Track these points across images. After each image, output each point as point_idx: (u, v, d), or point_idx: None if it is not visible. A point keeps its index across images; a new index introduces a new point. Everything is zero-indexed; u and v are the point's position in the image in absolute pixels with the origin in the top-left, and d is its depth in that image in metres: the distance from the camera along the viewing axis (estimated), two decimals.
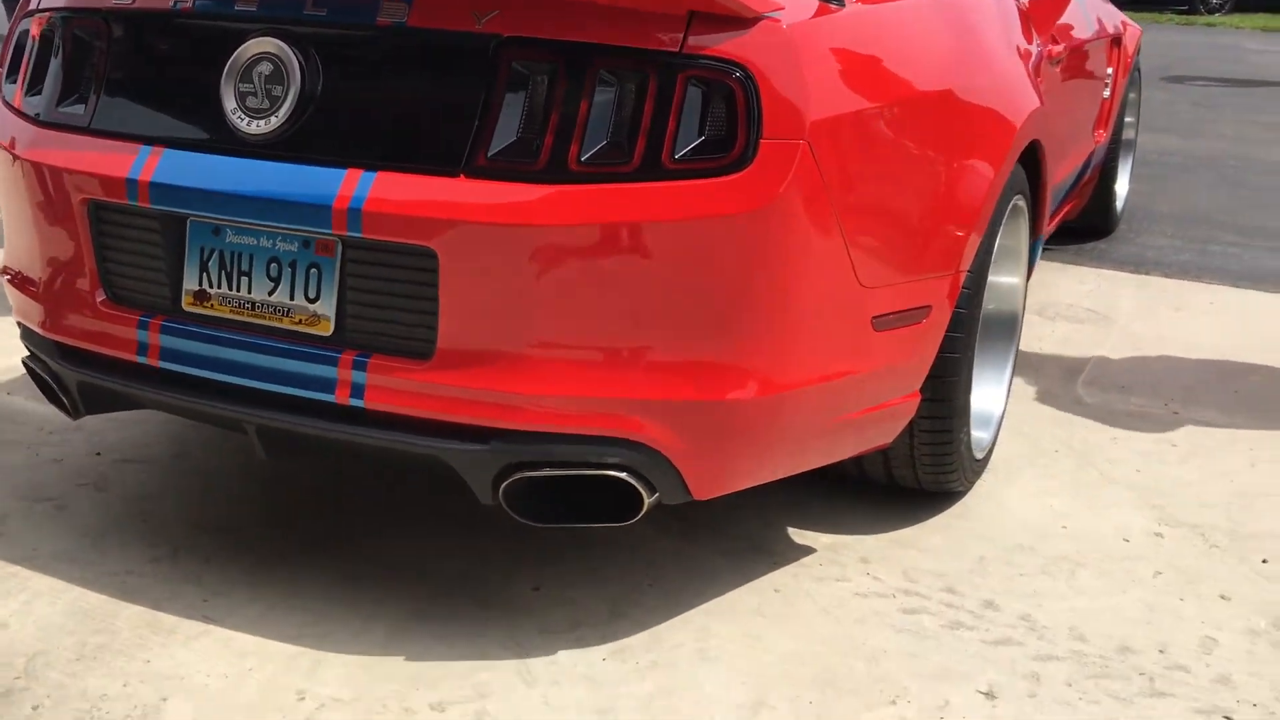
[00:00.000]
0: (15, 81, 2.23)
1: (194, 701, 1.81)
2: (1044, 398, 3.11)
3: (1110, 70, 4.20)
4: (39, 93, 2.15)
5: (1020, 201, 2.51)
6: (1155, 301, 3.99)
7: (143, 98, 2.03)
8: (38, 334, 2.17)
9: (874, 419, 2.11)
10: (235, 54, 1.89)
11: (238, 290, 1.92)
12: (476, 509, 2.29)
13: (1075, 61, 3.43)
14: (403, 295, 1.81)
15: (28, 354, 2.26)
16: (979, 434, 2.55)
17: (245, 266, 1.92)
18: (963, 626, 2.07)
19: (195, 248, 1.95)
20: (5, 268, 2.30)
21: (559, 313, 1.76)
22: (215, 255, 1.94)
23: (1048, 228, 3.76)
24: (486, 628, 2.01)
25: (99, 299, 2.05)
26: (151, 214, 1.96)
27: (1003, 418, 2.70)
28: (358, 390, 1.84)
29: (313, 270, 1.86)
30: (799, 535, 2.36)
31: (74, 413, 2.20)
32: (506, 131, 1.75)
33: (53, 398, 2.24)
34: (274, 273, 1.89)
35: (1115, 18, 4.40)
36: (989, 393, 2.66)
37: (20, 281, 2.22)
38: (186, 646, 1.94)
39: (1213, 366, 3.39)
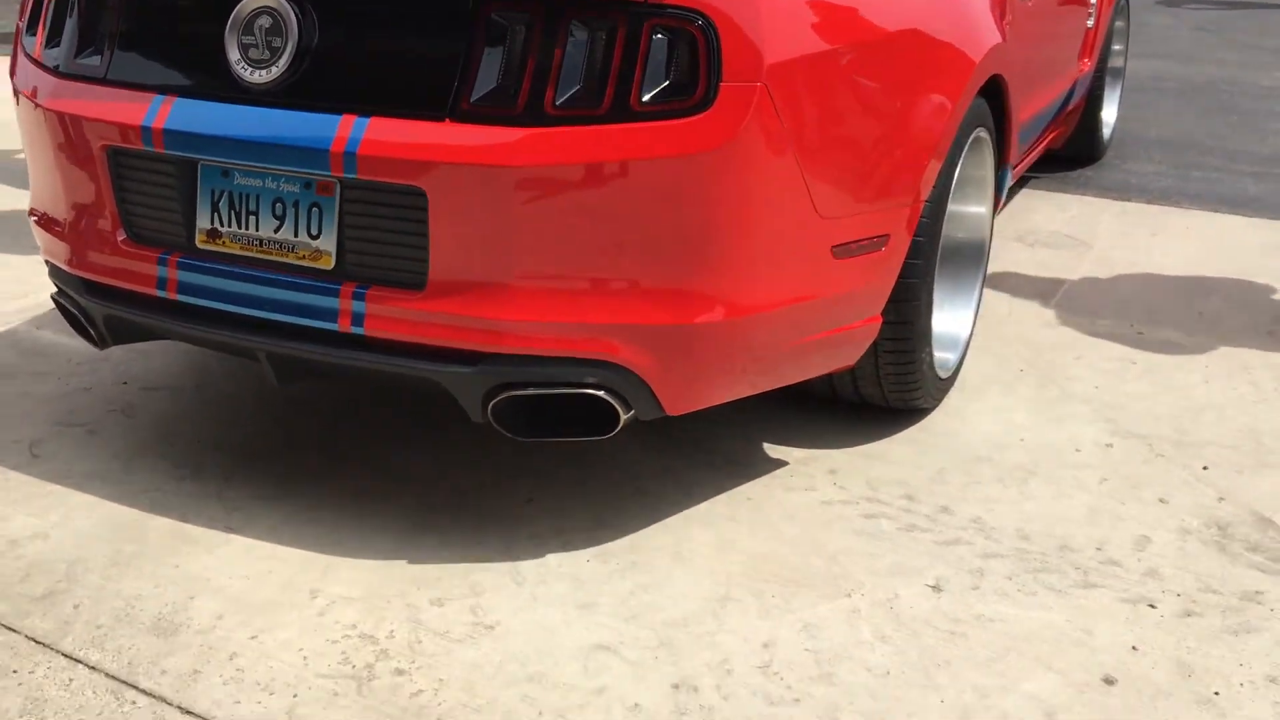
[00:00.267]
0: (35, 34, 2.39)
1: (219, 599, 2.01)
2: (1015, 320, 3.27)
3: (1094, 1, 4.29)
4: (58, 45, 2.31)
5: (983, 134, 2.65)
6: (1133, 227, 4.13)
7: (154, 50, 2.18)
8: (65, 271, 2.35)
9: (836, 341, 2.28)
10: (237, 8, 2.04)
11: (246, 228, 2.09)
12: (474, 432, 2.48)
13: None
14: (396, 231, 1.97)
15: (56, 290, 2.44)
16: (945, 355, 2.72)
17: (253, 206, 2.09)
18: (917, 529, 2.26)
19: (206, 189, 2.12)
20: (32, 210, 2.47)
21: (538, 245, 1.92)
22: (225, 196, 2.11)
23: (1029, 157, 3.90)
24: (482, 535, 2.21)
25: (120, 238, 2.23)
26: (166, 159, 2.13)
27: (970, 340, 2.87)
28: (358, 319, 2.01)
29: (314, 209, 2.03)
30: (774, 450, 2.55)
31: (101, 344, 2.39)
32: (488, 78, 1.90)
33: (81, 331, 2.43)
34: (279, 212, 2.06)
35: None
36: (956, 316, 2.83)
37: (47, 222, 2.39)
38: (211, 553, 2.15)
39: (1180, 288, 3.54)
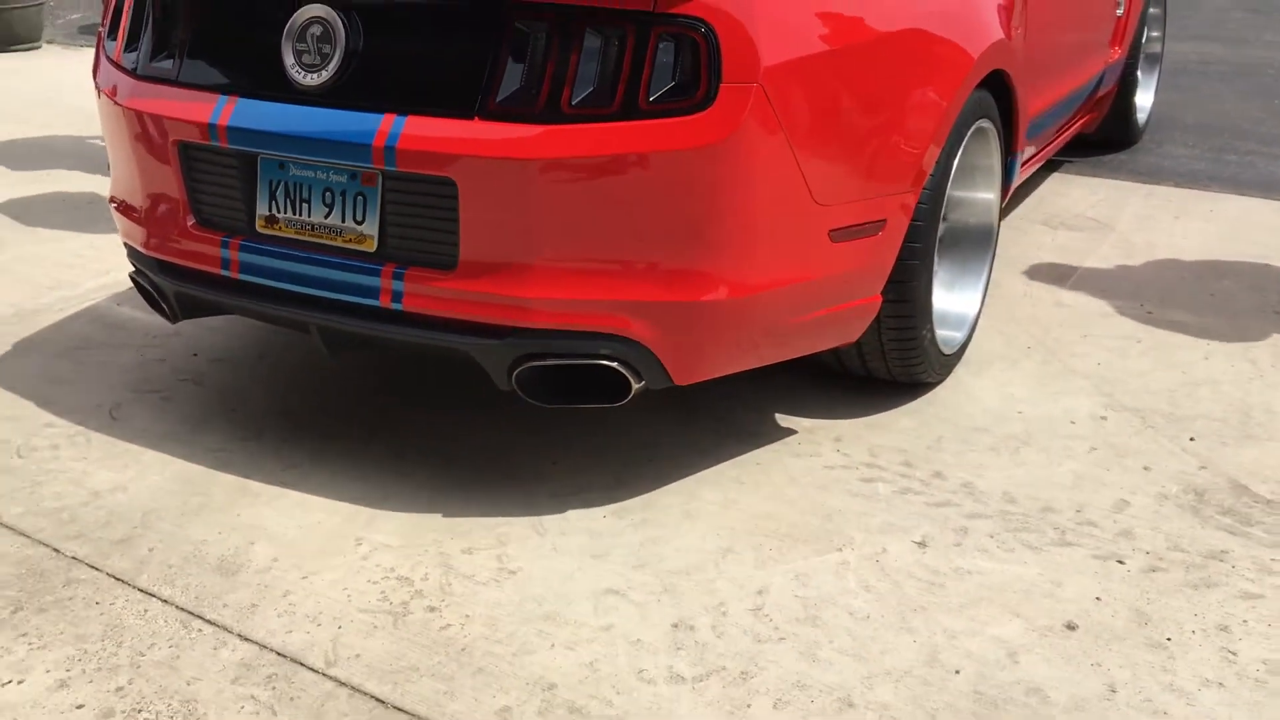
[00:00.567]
0: (115, 39, 2.65)
1: (275, 545, 2.26)
2: (1028, 300, 3.43)
3: None
4: (135, 49, 2.57)
5: (986, 125, 2.81)
6: (1158, 210, 4.24)
7: (219, 55, 2.43)
8: (141, 252, 2.61)
9: (836, 318, 2.48)
10: (293, 18, 2.28)
11: (300, 215, 2.34)
12: (506, 403, 2.70)
13: None
14: (431, 217, 2.20)
15: (133, 270, 2.71)
16: (951, 333, 2.89)
17: (305, 195, 2.33)
18: (910, 492, 2.45)
19: (265, 180, 2.37)
20: (112, 197, 2.74)
21: (557, 230, 2.14)
22: (281, 186, 2.35)
23: (1056, 143, 4.03)
24: (510, 493, 2.44)
25: (189, 223, 2.48)
26: (229, 152, 2.38)
27: (978, 318, 3.04)
28: (397, 296, 2.25)
29: (359, 198, 2.27)
30: (784, 419, 2.75)
31: (173, 318, 2.65)
32: (511, 81, 2.12)
33: (155, 306, 2.70)
34: (328, 200, 2.30)
35: None
36: (964, 297, 3.00)
37: (125, 209, 2.66)
38: (269, 505, 2.40)
39: (1195, 270, 3.66)
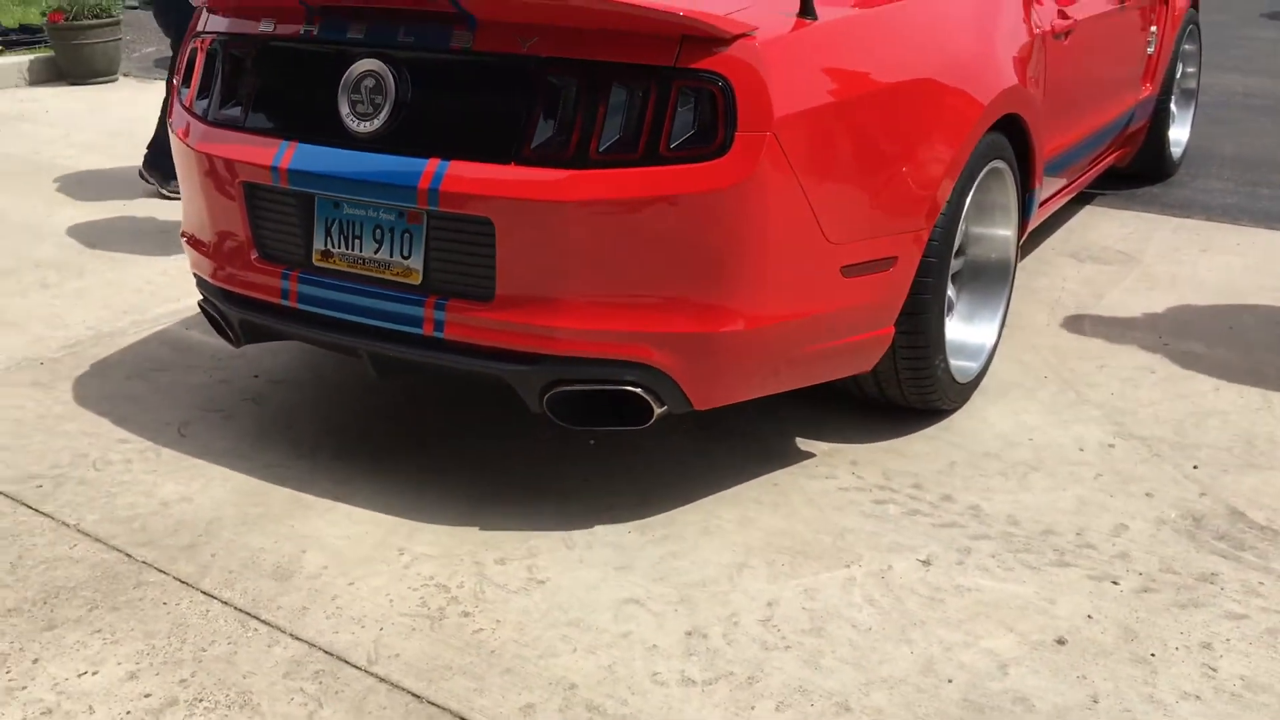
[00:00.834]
0: (189, 87, 2.89)
1: (325, 553, 2.46)
2: (1048, 332, 3.55)
3: (1155, 29, 4.51)
4: (206, 97, 2.80)
5: (1000, 165, 2.96)
6: (1185, 243, 4.34)
7: (281, 104, 2.66)
8: (209, 282, 2.84)
9: (850, 348, 2.63)
10: (348, 71, 2.49)
11: (352, 250, 2.54)
12: (541, 427, 2.89)
13: (1096, 31, 3.79)
14: (471, 254, 2.40)
15: (201, 298, 2.94)
16: (966, 363, 3.03)
17: (358, 232, 2.54)
18: (919, 514, 2.59)
19: (321, 218, 2.58)
20: (183, 231, 2.98)
21: (585, 266, 2.32)
22: (336, 223, 2.56)
23: (1085, 177, 4.16)
24: (541, 508, 2.62)
25: (253, 256, 2.70)
26: (289, 193, 2.59)
27: (995, 349, 3.17)
28: (439, 325, 2.44)
29: (406, 235, 2.47)
30: (804, 443, 2.90)
31: (237, 343, 2.87)
32: (545, 130, 2.31)
33: (221, 332, 2.93)
34: (378, 236, 2.51)
35: None
36: (981, 329, 3.14)
37: (195, 243, 2.89)
38: (320, 517, 2.60)
39: (1216, 303, 3.76)
